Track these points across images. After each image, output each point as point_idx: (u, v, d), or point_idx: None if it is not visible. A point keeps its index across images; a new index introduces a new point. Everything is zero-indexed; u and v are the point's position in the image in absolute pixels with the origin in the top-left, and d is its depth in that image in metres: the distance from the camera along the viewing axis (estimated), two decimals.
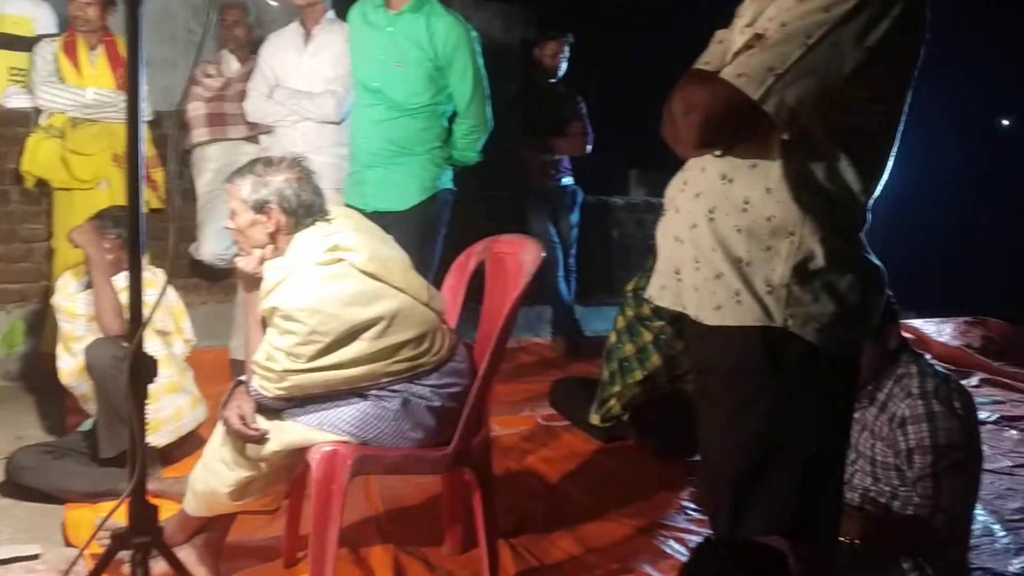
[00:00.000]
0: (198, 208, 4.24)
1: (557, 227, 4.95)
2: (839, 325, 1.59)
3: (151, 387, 1.69)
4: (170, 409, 3.08)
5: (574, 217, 5.04)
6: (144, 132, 3.98)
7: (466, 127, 3.41)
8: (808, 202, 1.56)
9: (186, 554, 2.34)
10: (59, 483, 2.87)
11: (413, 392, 2.32)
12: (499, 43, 6.49)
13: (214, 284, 4.68)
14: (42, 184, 4.01)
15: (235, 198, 2.31)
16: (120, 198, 3.96)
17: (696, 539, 2.78)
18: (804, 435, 1.61)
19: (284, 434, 2.27)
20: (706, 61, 1.74)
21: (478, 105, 3.39)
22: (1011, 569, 2.74)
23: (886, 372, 2.53)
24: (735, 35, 1.70)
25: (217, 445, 2.35)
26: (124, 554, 1.88)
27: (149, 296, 1.99)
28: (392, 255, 2.41)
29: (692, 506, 3.08)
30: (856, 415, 2.59)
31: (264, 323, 2.31)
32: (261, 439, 2.26)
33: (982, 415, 4.13)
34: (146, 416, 1.64)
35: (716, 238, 1.62)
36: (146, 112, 4.01)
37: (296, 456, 2.33)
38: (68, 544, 2.64)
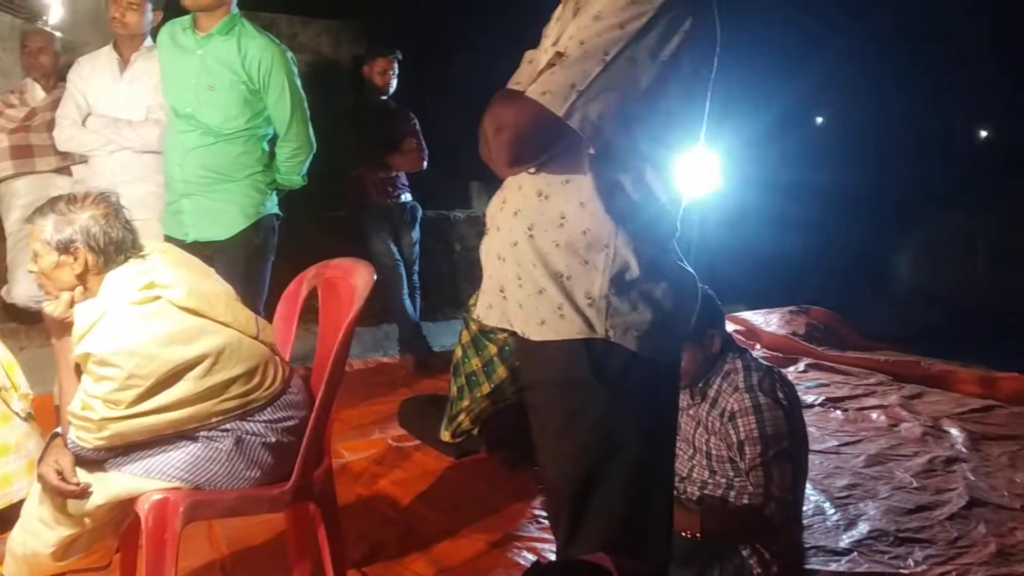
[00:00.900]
0: (7, 248, 3.96)
1: (398, 244, 4.91)
2: (657, 332, 1.64)
3: None
4: None
5: (415, 234, 5.01)
6: None
7: (288, 150, 3.32)
8: (619, 214, 1.61)
9: None
10: None
11: (246, 430, 2.23)
12: (330, 60, 6.42)
13: (32, 328, 4.38)
14: None
15: (37, 239, 2.16)
16: None
17: (550, 547, 2.81)
18: (631, 443, 1.65)
19: (108, 486, 2.14)
20: (517, 81, 1.78)
21: (299, 127, 3.30)
22: (842, 544, 2.91)
23: (715, 369, 2.63)
24: (542, 54, 1.73)
25: (35, 504, 2.19)
26: None
27: None
28: (215, 288, 2.32)
29: (544, 515, 3.11)
30: (691, 412, 2.69)
31: (78, 370, 2.17)
32: (83, 494, 2.12)
33: (809, 398, 4.40)
34: None
35: (537, 254, 1.65)
36: None
37: (124, 508, 2.19)
38: None
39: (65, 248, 2.15)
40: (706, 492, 2.64)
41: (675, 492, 2.65)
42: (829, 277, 6.88)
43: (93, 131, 3.51)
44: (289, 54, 3.27)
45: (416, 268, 5.04)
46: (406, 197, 5.01)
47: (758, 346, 5.40)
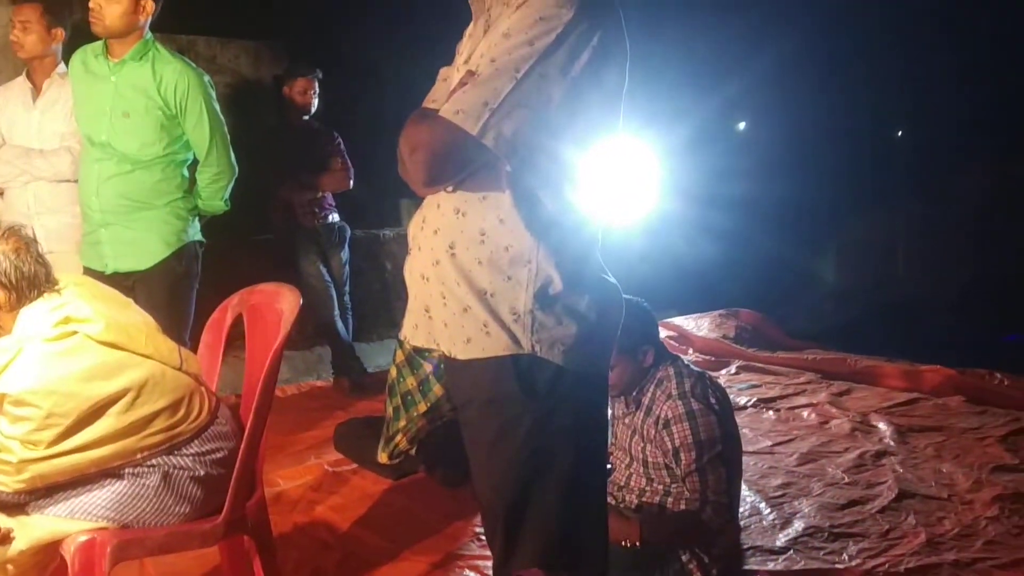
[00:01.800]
0: None
1: (328, 266, 4.85)
2: (583, 344, 1.65)
3: None
4: None
5: (344, 254, 4.95)
6: None
7: (209, 175, 3.26)
8: (539, 229, 1.62)
9: None
10: None
11: (173, 464, 2.18)
12: (250, 81, 6.32)
13: None
14: None
15: None
16: None
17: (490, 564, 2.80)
18: (563, 456, 1.66)
19: (31, 530, 2.07)
20: (433, 99, 1.78)
21: (219, 151, 3.24)
22: (779, 543, 2.96)
23: (648, 377, 2.66)
24: (455, 72, 1.74)
25: None
26: None
27: None
28: (134, 320, 2.26)
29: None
30: (626, 420, 2.71)
31: None
32: (4, 539, 2.04)
33: (742, 400, 4.48)
34: None
35: (459, 272, 1.65)
36: None
37: (49, 551, 2.12)
38: None
39: None
40: (644, 500, 2.66)
41: (613, 501, 2.67)
42: (754, 280, 7.02)
43: (5, 162, 3.41)
44: (206, 77, 3.21)
45: (347, 288, 4.98)
46: (334, 217, 4.95)
47: (690, 351, 5.48)
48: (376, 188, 5.75)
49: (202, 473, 2.22)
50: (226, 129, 3.27)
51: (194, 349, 2.57)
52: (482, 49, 1.59)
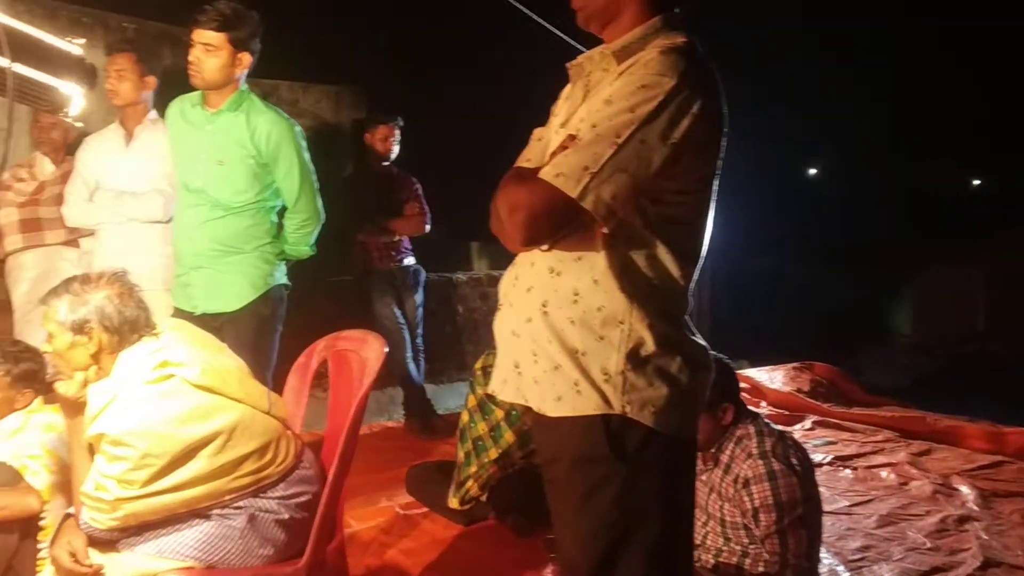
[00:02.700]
0: (15, 320, 3.96)
1: (402, 308, 4.93)
2: (674, 406, 1.66)
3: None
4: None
5: (418, 297, 5.03)
6: None
7: (297, 222, 3.35)
8: (633, 291, 1.63)
9: None
10: None
11: (259, 507, 2.23)
12: (330, 125, 6.51)
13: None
14: None
15: (51, 320, 2.17)
16: None
17: None
18: (651, 518, 1.65)
19: (122, 567, 2.12)
20: (527, 158, 1.82)
21: (307, 199, 3.33)
22: None
23: (727, 435, 2.63)
24: (551, 133, 1.77)
25: None
26: None
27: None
28: (227, 364, 2.33)
29: None
30: (703, 478, 2.68)
31: (92, 450, 2.16)
32: None
33: (817, 457, 4.38)
34: None
35: (551, 331, 1.67)
36: None
37: None
38: None
39: (79, 328, 2.16)
40: (720, 560, 2.62)
41: None
42: (826, 331, 6.90)
43: (100, 206, 3.55)
44: (297, 128, 3.32)
45: (420, 331, 5.05)
46: (409, 261, 5.04)
47: (763, 404, 5.40)
48: (449, 231, 5.85)
49: (286, 516, 2.26)
50: (315, 178, 3.36)
51: (276, 390, 2.63)
52: (582, 114, 1.62)
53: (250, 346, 3.12)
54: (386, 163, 4.97)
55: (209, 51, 3.11)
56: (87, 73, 1.64)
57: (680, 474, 1.73)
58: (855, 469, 4.29)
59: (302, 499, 2.30)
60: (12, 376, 2.65)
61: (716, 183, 1.72)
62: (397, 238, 4.98)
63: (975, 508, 3.75)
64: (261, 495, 2.23)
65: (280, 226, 3.39)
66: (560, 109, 1.81)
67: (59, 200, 3.83)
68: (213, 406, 2.17)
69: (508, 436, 3.60)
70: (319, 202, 3.40)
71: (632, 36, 1.68)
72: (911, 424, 4.92)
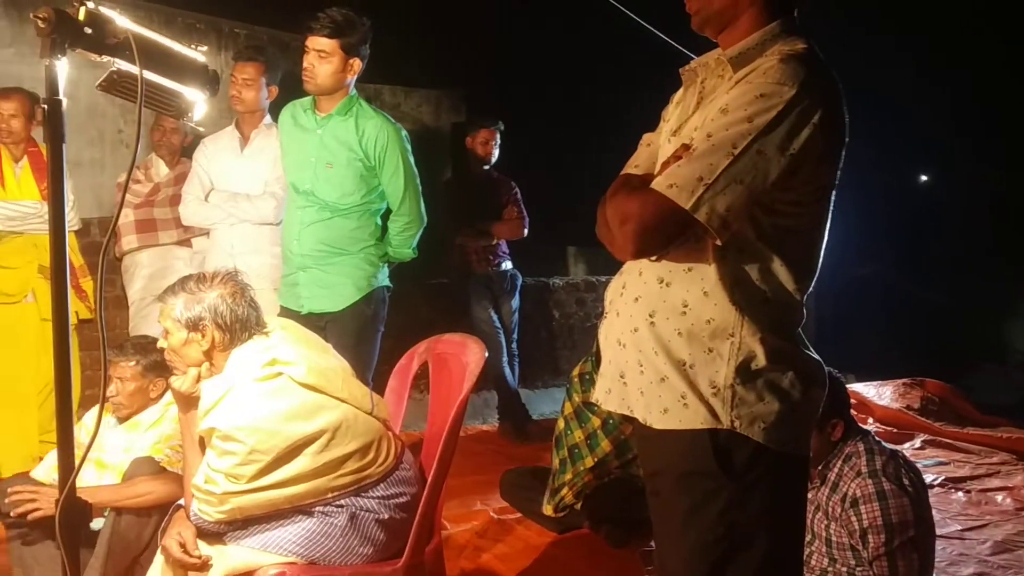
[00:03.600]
0: (130, 316, 4.14)
1: (498, 312, 4.95)
2: (785, 422, 1.60)
3: None
4: None
5: (515, 301, 5.05)
6: (71, 241, 3.95)
7: (400, 224, 3.41)
8: (744, 303, 1.59)
9: None
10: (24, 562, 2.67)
11: (360, 505, 2.26)
12: (430, 128, 6.58)
13: None
14: None
15: (167, 317, 2.25)
16: (46, 311, 3.85)
17: None
18: (759, 536, 1.60)
19: (228, 559, 2.18)
20: (635, 164, 1.79)
21: (411, 202, 3.39)
22: None
23: (835, 452, 2.55)
24: (662, 140, 1.74)
25: (158, 574, 2.24)
26: None
27: None
28: (332, 364, 2.37)
29: None
30: (809, 495, 2.59)
31: (202, 444, 2.23)
32: (204, 566, 2.16)
33: (928, 478, 4.19)
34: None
35: (658, 342, 1.64)
36: (73, 221, 3.94)
37: None
38: None
39: (194, 326, 2.23)
40: None
41: None
42: (938, 346, 6.61)
43: (215, 206, 3.68)
44: (403, 132, 3.38)
45: (515, 335, 5.06)
46: (507, 265, 5.06)
47: (870, 420, 5.20)
48: (546, 236, 5.85)
49: (386, 516, 2.28)
50: (418, 181, 3.41)
51: (376, 390, 2.66)
52: (696, 123, 1.59)
53: (352, 346, 3.18)
54: (486, 167, 5.01)
55: (322, 57, 3.19)
56: (210, 80, 1.70)
57: (790, 492, 1.67)
58: (968, 492, 4.09)
59: (402, 500, 2.33)
60: (143, 366, 2.76)
61: (834, 194, 1.66)
62: (495, 242, 5.00)
63: None
64: (362, 494, 2.27)
65: (384, 229, 3.44)
66: (671, 115, 1.77)
67: (173, 201, 3.99)
68: (318, 405, 2.22)
69: (605, 445, 3.54)
70: (422, 205, 3.45)
71: (749, 42, 1.63)
72: None
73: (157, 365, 2.83)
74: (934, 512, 3.65)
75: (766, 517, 1.62)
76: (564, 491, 3.63)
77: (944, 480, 4.23)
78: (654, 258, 1.66)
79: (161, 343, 2.31)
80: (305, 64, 3.23)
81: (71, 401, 1.48)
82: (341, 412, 2.25)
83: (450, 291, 5.09)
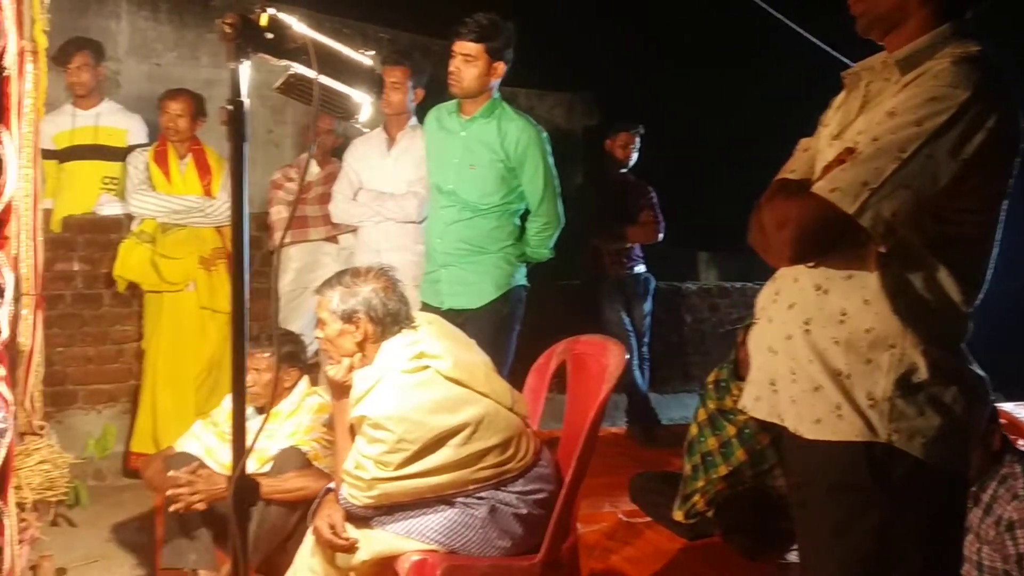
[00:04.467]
0: (280, 307, 4.34)
1: (630, 315, 4.93)
2: (946, 439, 1.55)
3: None
4: None
5: (647, 305, 5.02)
6: (227, 235, 4.19)
7: (538, 225, 3.47)
8: (908, 314, 1.54)
9: None
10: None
11: (499, 499, 2.31)
12: (562, 131, 6.62)
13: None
14: (132, 287, 4.17)
15: (324, 308, 2.36)
16: (205, 300, 4.10)
17: None
18: (912, 557, 1.56)
19: (373, 543, 2.27)
20: (792, 169, 1.76)
21: (549, 203, 3.44)
22: None
23: (990, 472, 2.43)
24: (822, 145, 1.71)
25: (307, 554, 2.36)
26: None
27: None
28: (475, 360, 2.44)
29: None
30: None
31: (352, 431, 2.33)
32: (351, 548, 2.26)
33: None
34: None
35: (813, 350, 1.61)
36: (228, 216, 4.17)
37: (385, 565, 2.32)
38: None
39: (348, 318, 2.34)
40: None
41: None
42: None
43: (362, 204, 3.83)
44: (544, 134, 3.43)
45: (646, 339, 5.03)
46: (640, 268, 5.05)
47: (1021, 442, 4.91)
48: (679, 241, 5.79)
49: (524, 511, 2.33)
50: (557, 182, 3.46)
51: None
52: (860, 127, 1.55)
53: (489, 343, 3.22)
54: (623, 170, 5.01)
55: (468, 61, 3.28)
56: (376, 83, 1.78)
57: (948, 511, 1.61)
58: None
59: (539, 496, 2.37)
60: (277, 356, 2.91)
61: (1006, 203, 1.59)
62: (629, 245, 5.00)
63: None
64: (502, 488, 2.32)
65: (522, 229, 3.50)
66: (831, 119, 1.74)
67: (323, 199, 4.17)
68: (462, 399, 2.29)
69: (739, 454, 3.50)
70: (560, 206, 3.49)
71: (918, 44, 1.58)
72: None
73: (290, 356, 2.98)
74: None
75: (921, 537, 1.56)
76: (695, 498, 3.61)
77: None
78: (811, 264, 1.63)
79: (316, 333, 2.43)
80: (451, 68, 3.32)
81: (244, 388, 1.58)
82: (483, 407, 2.31)
83: (579, 292, 5.11)
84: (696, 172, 6.70)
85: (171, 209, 4.06)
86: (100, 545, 3.39)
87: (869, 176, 1.48)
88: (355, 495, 2.26)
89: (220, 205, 4.13)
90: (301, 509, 2.70)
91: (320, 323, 2.39)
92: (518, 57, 3.44)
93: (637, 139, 4.97)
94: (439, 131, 3.51)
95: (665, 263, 5.71)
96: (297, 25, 1.64)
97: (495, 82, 3.37)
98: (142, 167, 4.12)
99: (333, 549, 2.27)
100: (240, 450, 1.51)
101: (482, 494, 2.30)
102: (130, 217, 4.18)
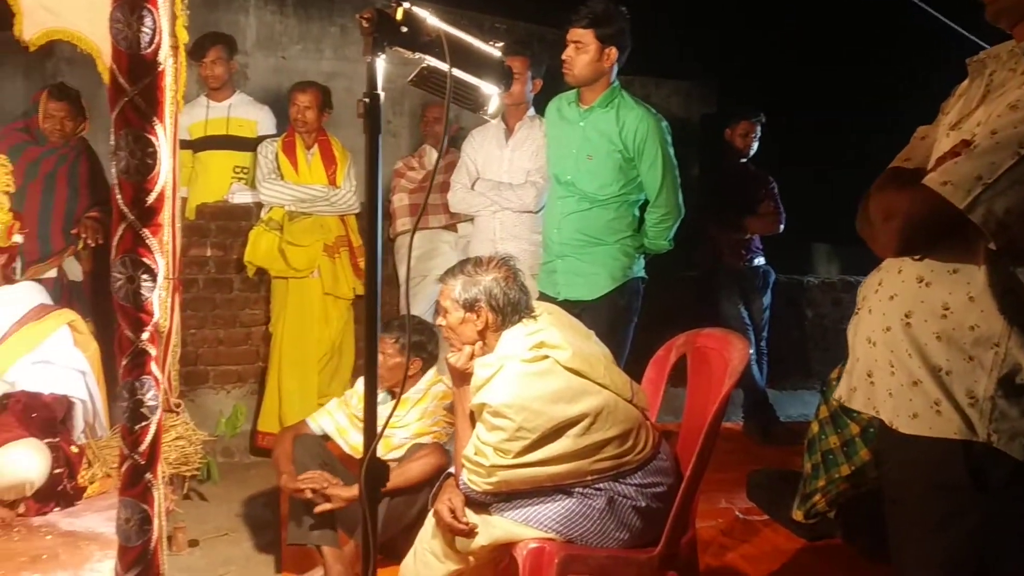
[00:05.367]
0: (400, 294, 4.44)
1: (748, 309, 4.83)
2: None
3: None
4: None
5: (766, 298, 4.91)
6: (351, 223, 4.32)
7: (657, 215, 3.41)
8: (1014, 313, 1.49)
9: None
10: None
11: (618, 491, 2.31)
12: (679, 120, 6.52)
13: None
14: (261, 272, 4.33)
15: (447, 297, 2.40)
16: (328, 286, 4.23)
17: None
18: (1012, 561, 1.50)
19: (492, 529, 2.30)
20: (907, 158, 1.71)
21: (669, 193, 3.38)
22: None
23: None
24: (939, 134, 1.65)
25: (428, 537, 2.41)
26: None
27: None
28: (595, 351, 2.43)
29: None
30: None
31: (472, 418, 2.37)
32: (471, 533, 2.30)
33: None
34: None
35: (913, 344, 1.57)
36: (355, 205, 4.30)
37: (502, 551, 2.35)
38: None
39: (470, 306, 2.37)
40: None
41: None
42: None
43: (480, 194, 3.87)
44: (664, 123, 3.38)
45: (765, 334, 4.92)
46: (759, 260, 4.93)
47: None
48: (801, 233, 5.62)
49: (643, 504, 2.32)
50: (677, 173, 3.40)
51: None
52: (979, 118, 1.49)
53: (605, 336, 3.18)
54: (744, 159, 4.90)
55: (579, 48, 3.26)
56: (505, 75, 1.79)
57: None
58: None
59: (658, 489, 2.35)
60: (402, 344, 2.97)
61: None
62: (748, 236, 4.89)
63: None
64: (620, 480, 2.31)
65: (641, 220, 3.47)
66: (952, 107, 1.66)
67: (442, 188, 4.23)
68: (581, 389, 2.28)
69: (863, 453, 3.39)
70: (680, 197, 3.43)
71: None
72: None
73: (417, 345, 3.04)
74: None
75: (1021, 542, 1.51)
76: (816, 497, 3.51)
77: None
78: (917, 256, 1.58)
79: (439, 321, 2.47)
80: (564, 56, 3.31)
81: (376, 372, 1.62)
82: (603, 398, 2.30)
83: (697, 285, 5.03)
84: (817, 162, 6.50)
85: (298, 198, 4.20)
86: (229, 519, 3.55)
87: (984, 170, 1.42)
88: (475, 481, 2.29)
89: (344, 194, 4.25)
90: (424, 494, 2.77)
91: (442, 311, 2.43)
92: (634, 44, 3.39)
93: (758, 128, 4.85)
94: (559, 121, 3.50)
95: (787, 255, 5.56)
96: (431, 18, 1.66)
97: (610, 68, 3.32)
98: (271, 157, 4.28)
99: (453, 533, 2.31)
100: (371, 434, 1.55)
101: (600, 485, 2.30)
102: (259, 205, 4.34)
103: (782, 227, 4.90)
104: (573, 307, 3.36)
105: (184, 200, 4.22)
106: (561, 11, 3.44)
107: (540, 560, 2.23)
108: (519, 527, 2.29)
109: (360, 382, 3.20)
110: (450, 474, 2.43)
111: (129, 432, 1.40)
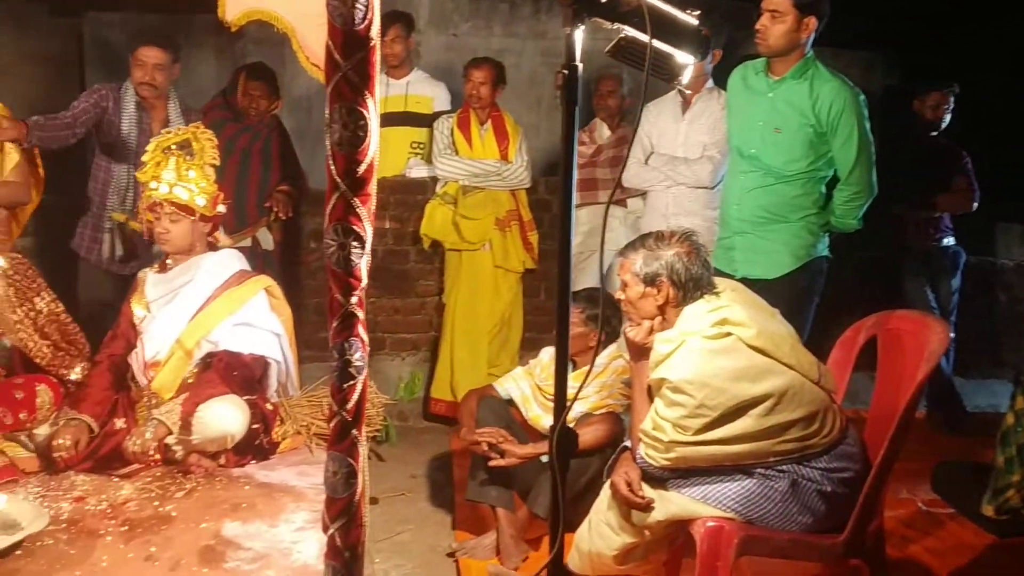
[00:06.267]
0: (579, 270, 4.45)
1: (935, 291, 4.55)
2: None
3: None
4: None
5: (955, 281, 4.61)
6: (521, 197, 4.37)
7: (848, 194, 3.24)
8: None
9: None
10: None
11: (802, 474, 2.25)
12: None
13: None
14: (435, 245, 4.47)
15: (627, 271, 2.40)
16: (499, 259, 4.31)
17: None
18: None
19: (668, 504, 2.29)
20: None
21: (862, 171, 3.20)
22: None
23: None
24: None
25: (604, 508, 2.42)
26: None
27: None
28: (780, 330, 2.37)
29: None
30: None
31: (650, 392, 2.36)
32: (647, 507, 2.30)
33: None
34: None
35: None
36: (526, 180, 4.35)
37: (677, 527, 2.34)
38: None
39: (651, 280, 2.35)
40: None
41: None
42: None
43: (654, 169, 3.82)
44: (862, 97, 3.20)
45: (952, 318, 4.62)
46: (948, 241, 4.63)
47: None
48: (996, 212, 5.24)
49: (828, 489, 2.25)
50: (873, 149, 3.22)
51: None
52: None
53: (784, 315, 3.13)
54: (934, 133, 4.61)
55: (775, 17, 3.12)
56: (701, 43, 1.75)
57: None
58: None
59: (845, 475, 2.27)
60: (587, 315, 3.00)
61: None
62: (938, 215, 4.60)
63: None
64: (805, 463, 2.25)
65: (828, 197, 3.32)
66: None
67: (613, 162, 4.22)
68: (766, 368, 2.23)
69: None
70: (874, 175, 3.25)
71: None
72: None
73: (597, 319, 3.04)
74: None
75: None
76: (1009, 492, 3.30)
77: None
78: None
79: (618, 294, 2.47)
80: (758, 26, 3.16)
81: (567, 344, 1.64)
82: (788, 378, 2.24)
83: (881, 265, 4.78)
84: (1012, 137, 6.03)
85: (472, 172, 4.29)
86: (405, 480, 3.70)
87: None
88: (652, 456, 2.28)
89: (516, 169, 4.30)
90: (594, 468, 2.79)
91: (623, 285, 2.43)
92: None
93: (951, 99, 4.54)
94: (744, 91, 3.36)
95: (979, 235, 5.20)
96: None
97: (807, 39, 3.16)
98: (447, 133, 4.38)
99: (629, 506, 2.32)
100: (561, 403, 1.58)
101: (783, 467, 2.25)
102: (435, 180, 4.45)
103: (975, 205, 4.58)
104: (750, 286, 3.27)
105: None
106: None
107: (719, 539, 2.21)
108: (697, 504, 2.27)
109: (544, 352, 3.27)
110: (626, 447, 2.43)
111: (338, 390, 1.47)
